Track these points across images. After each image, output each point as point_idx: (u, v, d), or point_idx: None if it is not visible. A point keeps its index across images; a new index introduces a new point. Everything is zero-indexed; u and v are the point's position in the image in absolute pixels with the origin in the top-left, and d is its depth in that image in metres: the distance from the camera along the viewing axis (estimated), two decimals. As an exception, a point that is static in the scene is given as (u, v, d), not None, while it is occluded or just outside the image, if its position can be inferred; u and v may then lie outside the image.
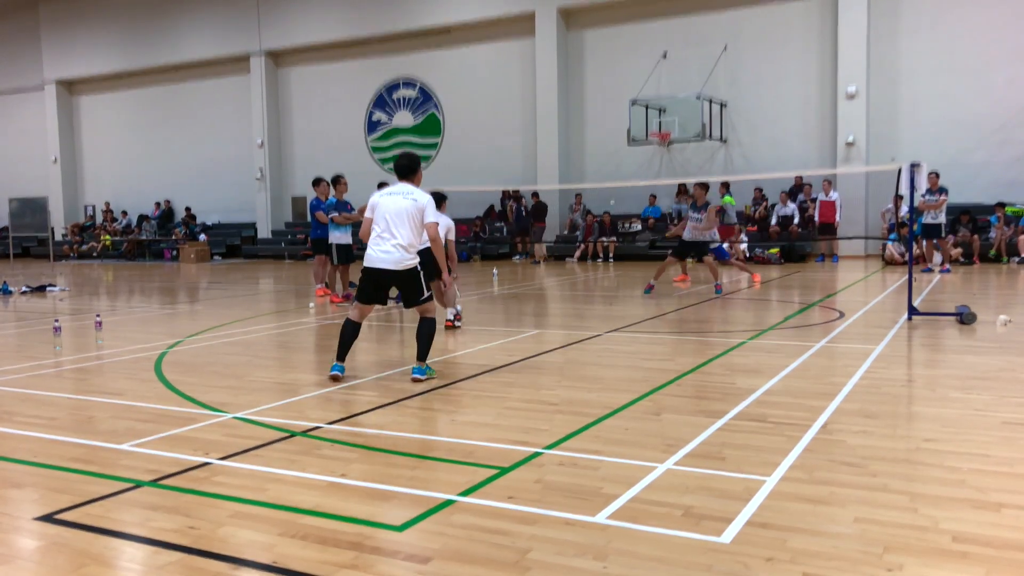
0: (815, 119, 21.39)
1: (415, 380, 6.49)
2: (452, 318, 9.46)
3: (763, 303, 11.96)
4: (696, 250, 13.20)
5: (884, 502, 3.64)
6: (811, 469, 4.11)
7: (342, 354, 6.67)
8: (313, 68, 28.52)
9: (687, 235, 13.09)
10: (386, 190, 6.75)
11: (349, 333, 6.68)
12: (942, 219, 16.09)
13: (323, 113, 28.34)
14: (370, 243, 6.61)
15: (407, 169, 6.76)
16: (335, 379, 6.60)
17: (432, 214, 6.57)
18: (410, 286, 6.65)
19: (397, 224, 6.47)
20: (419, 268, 6.65)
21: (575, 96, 24.28)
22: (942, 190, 16.04)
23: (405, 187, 6.67)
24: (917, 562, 3.04)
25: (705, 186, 13.09)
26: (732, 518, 3.47)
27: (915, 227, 14.07)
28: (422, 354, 6.59)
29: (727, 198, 20.26)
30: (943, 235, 16.34)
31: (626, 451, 4.52)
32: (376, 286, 6.64)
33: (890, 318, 9.61)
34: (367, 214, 6.73)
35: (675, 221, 22.47)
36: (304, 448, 4.73)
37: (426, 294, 6.67)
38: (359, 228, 15.29)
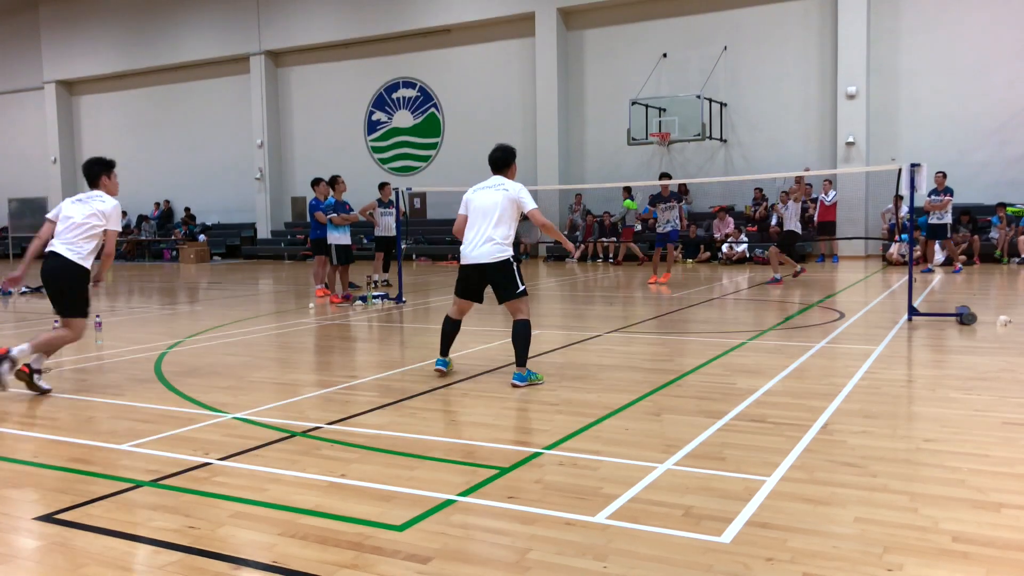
0: (815, 119, 21.39)
1: (514, 386, 6.19)
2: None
3: (763, 303, 11.95)
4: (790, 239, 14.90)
5: (884, 502, 3.64)
6: (811, 469, 4.11)
7: (444, 349, 6.63)
8: (313, 68, 28.51)
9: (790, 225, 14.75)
10: (478, 185, 6.62)
11: (448, 329, 6.61)
12: (948, 219, 16.02)
13: (323, 113, 28.33)
14: (464, 240, 6.46)
15: (501, 162, 6.61)
16: (440, 373, 6.57)
17: (530, 201, 6.38)
18: (504, 279, 6.35)
19: (488, 217, 6.32)
20: (513, 260, 6.41)
21: (575, 96, 24.28)
22: (948, 190, 16.01)
23: (497, 179, 6.55)
24: (917, 562, 3.04)
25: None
26: (732, 518, 3.47)
27: (915, 227, 14.03)
28: (521, 359, 6.27)
29: (628, 202, 21.20)
30: (948, 235, 16.31)
31: (626, 451, 4.51)
32: (471, 282, 6.47)
33: (890, 319, 9.61)
34: (460, 211, 6.55)
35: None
36: (304, 448, 4.73)
37: (520, 288, 6.35)
38: (373, 229, 15.21)
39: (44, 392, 6.28)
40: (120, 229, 6.45)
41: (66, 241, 6.21)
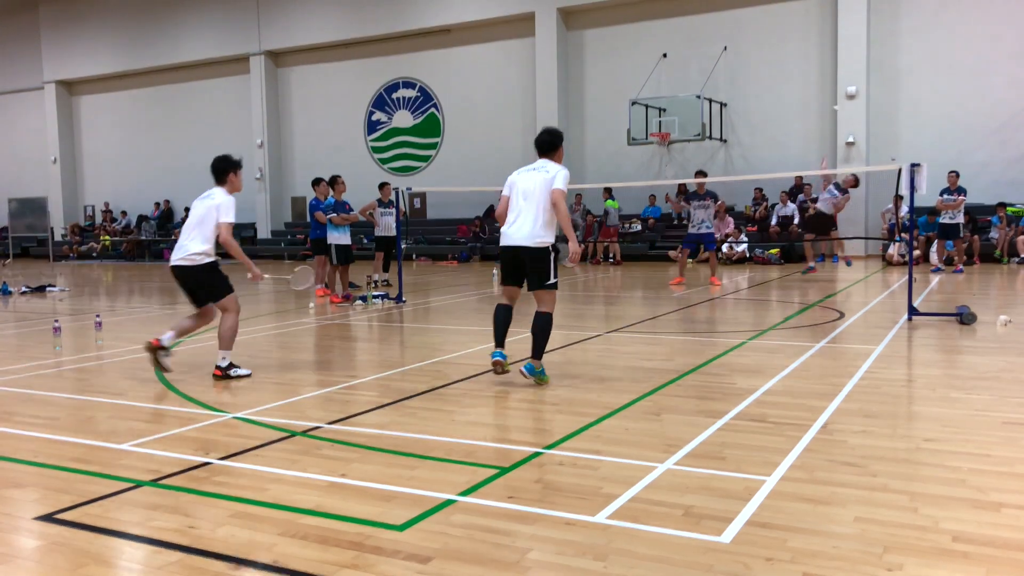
0: (815, 119, 21.39)
1: (523, 375, 6.16)
2: None
3: (763, 303, 11.95)
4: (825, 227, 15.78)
5: (884, 502, 3.64)
6: (811, 469, 4.11)
7: (500, 340, 6.37)
8: (313, 68, 28.52)
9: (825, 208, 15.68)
10: (523, 167, 6.46)
11: (501, 318, 6.36)
12: (960, 219, 15.98)
13: (323, 113, 28.34)
14: (505, 222, 6.31)
15: (548, 145, 6.38)
16: (497, 365, 6.32)
17: (562, 182, 6.13)
18: (539, 266, 6.16)
19: (530, 200, 6.13)
20: (553, 249, 6.22)
21: (575, 96, 24.28)
22: (961, 190, 15.99)
23: (541, 162, 6.34)
24: (917, 562, 3.04)
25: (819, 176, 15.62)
26: (732, 518, 3.47)
27: (915, 228, 14.04)
28: (538, 351, 6.18)
29: (610, 202, 21.62)
30: (960, 235, 16.29)
31: (626, 451, 4.51)
32: (513, 265, 6.29)
33: (890, 318, 9.61)
34: (504, 192, 6.39)
35: (675, 222, 22.52)
36: (304, 448, 4.73)
37: (553, 280, 6.19)
38: (373, 229, 15.34)
39: (247, 375, 6.73)
40: (233, 221, 6.66)
41: (183, 241, 6.65)
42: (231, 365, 6.69)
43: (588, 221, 22.77)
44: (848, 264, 16.43)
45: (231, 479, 4.18)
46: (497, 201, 22.79)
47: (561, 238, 6.58)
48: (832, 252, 20.44)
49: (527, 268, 6.24)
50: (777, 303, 11.80)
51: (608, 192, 21.79)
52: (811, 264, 15.66)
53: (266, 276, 7.08)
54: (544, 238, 6.15)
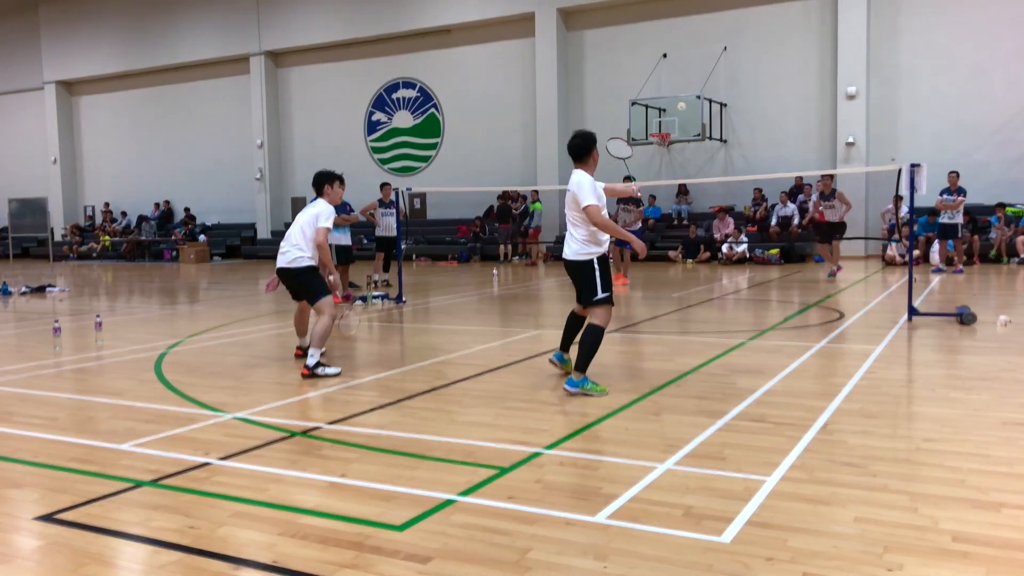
0: (815, 119, 21.39)
1: (567, 392, 5.86)
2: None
3: (763, 303, 11.95)
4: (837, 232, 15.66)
5: (884, 502, 3.64)
6: (811, 469, 4.11)
7: (564, 344, 6.51)
8: (313, 68, 28.51)
9: (831, 217, 15.56)
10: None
11: (570, 324, 6.46)
12: (959, 219, 15.98)
13: (323, 113, 28.33)
14: None
15: (576, 151, 6.17)
16: (558, 367, 6.56)
17: (586, 196, 5.90)
18: (583, 280, 6.06)
19: (569, 215, 6.12)
20: (597, 261, 6.04)
21: (575, 96, 24.28)
22: (960, 190, 15.99)
23: (572, 172, 6.21)
24: (917, 562, 3.04)
25: (831, 177, 15.68)
26: (732, 518, 3.47)
27: (915, 227, 14.03)
28: (582, 364, 5.87)
29: (536, 204, 22.16)
30: (960, 235, 16.29)
31: (626, 451, 4.52)
32: (571, 280, 6.25)
33: (890, 318, 9.61)
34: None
35: (675, 222, 22.54)
36: (304, 448, 4.73)
37: (600, 295, 5.97)
38: (374, 229, 15.52)
39: (336, 374, 6.92)
40: (328, 226, 7.11)
41: (286, 245, 7.19)
42: (319, 364, 6.89)
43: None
44: (831, 276, 15.18)
45: (231, 479, 4.18)
46: (496, 202, 22.93)
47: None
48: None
49: (575, 282, 6.18)
50: (777, 303, 11.81)
51: (535, 194, 22.40)
52: (837, 265, 15.56)
53: (331, 278, 7.35)
54: (584, 252, 6.00)
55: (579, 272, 6.06)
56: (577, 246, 6.02)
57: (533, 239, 22.20)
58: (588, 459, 4.36)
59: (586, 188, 5.95)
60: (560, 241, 23.78)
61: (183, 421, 5.40)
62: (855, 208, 20.48)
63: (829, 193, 15.54)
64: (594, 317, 6.00)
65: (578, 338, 6.15)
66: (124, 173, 32.58)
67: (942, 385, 6.09)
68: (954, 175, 16.17)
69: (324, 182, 7.42)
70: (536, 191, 22.18)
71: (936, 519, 3.43)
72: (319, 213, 7.20)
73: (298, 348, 7.77)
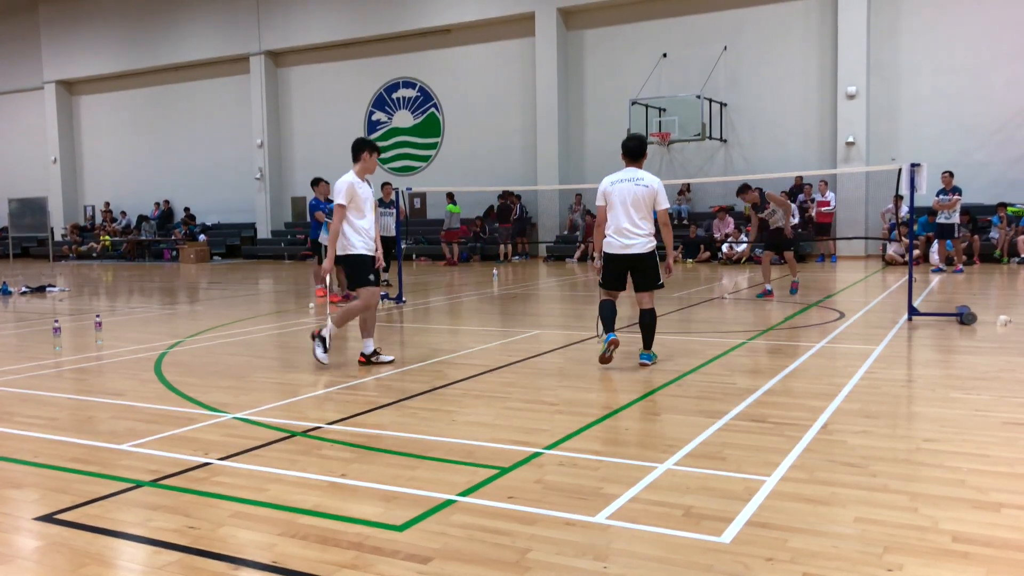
0: (815, 119, 21.39)
1: (642, 365, 6.85)
2: None
3: (763, 303, 11.95)
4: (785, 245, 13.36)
5: (884, 502, 3.64)
6: (811, 469, 4.11)
7: (608, 327, 6.85)
8: (313, 68, 28.51)
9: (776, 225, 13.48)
10: (614, 177, 6.90)
11: (608, 310, 6.90)
12: (956, 219, 16.00)
13: (323, 113, 28.33)
14: (609, 231, 6.84)
15: (639, 152, 6.90)
16: (612, 344, 6.74)
17: (666, 200, 6.85)
18: (651, 269, 6.85)
19: (638, 211, 6.72)
20: (656, 254, 6.89)
21: (575, 96, 24.28)
22: (956, 189, 16.00)
23: (631, 172, 6.87)
24: (917, 562, 3.04)
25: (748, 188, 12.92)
26: (732, 518, 3.47)
27: (915, 227, 14.04)
28: (648, 342, 6.97)
29: (451, 206, 22.58)
30: (956, 235, 16.30)
31: (626, 451, 4.52)
32: (619, 271, 6.92)
33: (890, 318, 9.61)
34: (598, 202, 6.94)
35: (675, 222, 22.53)
36: (304, 448, 4.73)
37: (660, 281, 6.89)
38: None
39: (388, 361, 7.29)
40: (343, 203, 7.09)
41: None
42: (375, 352, 7.23)
43: (588, 221, 22.77)
44: (792, 292, 12.48)
45: (231, 479, 4.18)
46: (496, 201, 22.99)
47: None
48: (830, 253, 20.46)
49: (641, 271, 6.86)
50: (777, 303, 11.80)
51: (450, 197, 22.70)
52: (767, 287, 12.33)
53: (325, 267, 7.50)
54: (653, 243, 6.84)
55: (649, 263, 6.83)
56: (646, 239, 6.78)
57: (453, 238, 22.71)
58: (588, 459, 4.36)
59: (664, 191, 6.81)
60: (560, 241, 23.86)
61: (183, 421, 5.40)
62: (855, 208, 20.54)
63: (761, 204, 12.43)
64: (647, 303, 6.95)
65: (615, 317, 6.97)
66: (124, 173, 32.58)
67: (942, 385, 6.09)
68: (947, 175, 16.17)
69: (362, 149, 7.32)
70: (451, 194, 22.55)
71: (936, 519, 3.43)
72: (335, 190, 7.31)
73: (361, 355, 7.37)
